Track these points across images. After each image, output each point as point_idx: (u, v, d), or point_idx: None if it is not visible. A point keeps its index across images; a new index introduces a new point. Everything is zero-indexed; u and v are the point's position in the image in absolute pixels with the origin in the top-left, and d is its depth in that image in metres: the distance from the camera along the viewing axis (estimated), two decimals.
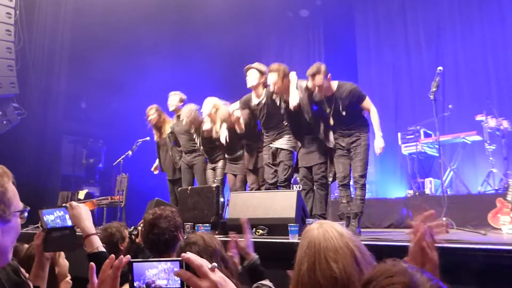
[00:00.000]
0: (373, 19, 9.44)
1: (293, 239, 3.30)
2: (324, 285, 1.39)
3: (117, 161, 6.87)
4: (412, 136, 7.09)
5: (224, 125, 5.19)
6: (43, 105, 8.50)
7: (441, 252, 2.55)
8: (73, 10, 8.81)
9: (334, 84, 4.40)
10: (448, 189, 6.53)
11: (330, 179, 4.60)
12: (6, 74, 7.71)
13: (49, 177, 8.24)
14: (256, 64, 4.97)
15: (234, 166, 5.38)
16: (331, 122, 4.46)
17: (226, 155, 5.46)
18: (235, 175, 5.40)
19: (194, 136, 5.69)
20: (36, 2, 8.45)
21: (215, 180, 5.47)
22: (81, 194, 7.15)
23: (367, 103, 4.40)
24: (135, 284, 1.24)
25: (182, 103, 5.97)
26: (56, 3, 8.70)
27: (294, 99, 4.47)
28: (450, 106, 7.06)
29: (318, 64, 4.37)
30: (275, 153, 4.87)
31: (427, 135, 7.06)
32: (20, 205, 1.13)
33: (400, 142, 7.28)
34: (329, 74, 4.32)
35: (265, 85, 4.90)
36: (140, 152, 7.02)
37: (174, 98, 5.99)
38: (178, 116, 5.92)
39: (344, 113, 4.34)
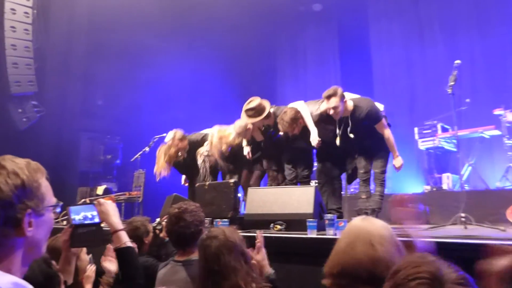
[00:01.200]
0: (387, 12, 9.34)
1: (311, 234, 3.31)
2: (365, 263, 1.42)
3: (135, 157, 6.96)
4: (429, 131, 7.03)
5: (244, 141, 5.20)
6: (61, 102, 8.65)
7: (460, 248, 2.56)
8: (89, 8, 8.90)
9: (350, 105, 4.34)
10: (466, 185, 6.46)
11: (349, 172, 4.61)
12: (25, 72, 7.87)
13: (68, 174, 8.37)
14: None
15: (252, 163, 5.39)
16: (337, 142, 4.43)
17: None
18: (248, 171, 5.41)
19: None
20: (52, 1, 8.57)
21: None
22: (100, 190, 7.25)
23: (381, 125, 4.34)
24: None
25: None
26: (72, 2, 8.80)
27: (315, 137, 4.48)
28: (467, 100, 6.96)
29: (335, 87, 4.31)
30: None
31: (444, 130, 6.99)
32: (53, 200, 1.17)
33: (416, 137, 7.22)
34: (345, 99, 4.29)
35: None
36: (156, 148, 7.08)
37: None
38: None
39: (351, 135, 4.33)
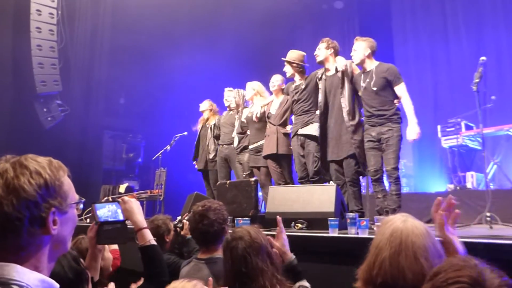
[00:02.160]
0: (409, 8, 9.20)
1: (333, 233, 3.29)
2: (409, 278, 1.38)
3: (156, 155, 7.04)
4: (453, 129, 6.89)
5: (259, 103, 5.37)
6: (85, 101, 8.81)
7: (486, 248, 2.50)
8: (112, 8, 9.04)
9: (376, 62, 4.45)
10: (491, 184, 6.32)
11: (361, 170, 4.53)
12: (50, 72, 8.04)
13: (92, 171, 8.54)
14: (290, 53, 5.11)
15: (256, 158, 5.37)
16: (361, 93, 4.38)
17: (250, 144, 5.48)
18: (258, 168, 5.38)
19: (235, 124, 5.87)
20: (76, 1, 8.73)
21: (244, 174, 5.56)
22: (122, 188, 7.36)
23: (402, 88, 4.25)
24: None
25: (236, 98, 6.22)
26: (96, 2, 8.95)
27: (342, 62, 4.53)
28: (493, 97, 6.80)
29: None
30: (303, 143, 4.81)
31: (468, 128, 6.85)
32: (76, 196, 1.18)
33: (439, 135, 7.09)
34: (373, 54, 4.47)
35: (303, 72, 5.05)
36: (178, 147, 7.17)
37: (229, 94, 6.23)
38: (230, 110, 6.19)
39: (375, 88, 4.25)
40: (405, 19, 9.25)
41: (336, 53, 4.74)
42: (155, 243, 2.10)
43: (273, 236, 2.43)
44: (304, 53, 5.12)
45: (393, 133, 4.16)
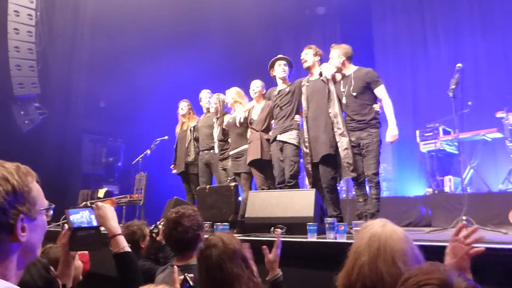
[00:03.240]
0: (390, 15, 9.34)
1: (311, 238, 3.31)
2: (388, 282, 1.40)
3: (136, 159, 6.97)
4: (431, 134, 7.00)
5: (241, 109, 5.36)
6: (63, 104, 8.67)
7: None
8: (93, 10, 8.94)
9: (354, 66, 4.50)
10: (468, 187, 6.44)
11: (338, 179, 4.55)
12: (28, 74, 7.89)
13: (70, 176, 8.40)
14: (282, 56, 5.18)
15: (237, 164, 5.35)
16: (344, 100, 4.41)
17: (231, 150, 5.46)
18: (239, 174, 5.34)
19: (214, 130, 5.83)
20: (56, 3, 8.61)
21: (228, 180, 5.53)
22: (101, 193, 7.26)
23: (381, 90, 4.32)
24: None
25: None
26: (76, 4, 8.84)
27: (329, 70, 4.59)
28: (469, 103, 6.94)
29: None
30: (282, 148, 4.82)
31: (446, 133, 6.97)
32: (45, 203, 1.16)
33: (418, 140, 7.20)
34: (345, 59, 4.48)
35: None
36: (158, 151, 7.11)
37: (206, 96, 6.30)
38: (208, 111, 6.19)
39: (354, 93, 4.30)
40: (386, 26, 9.38)
41: (321, 61, 4.80)
42: (129, 249, 2.07)
43: (252, 242, 2.41)
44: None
45: (372, 138, 4.22)
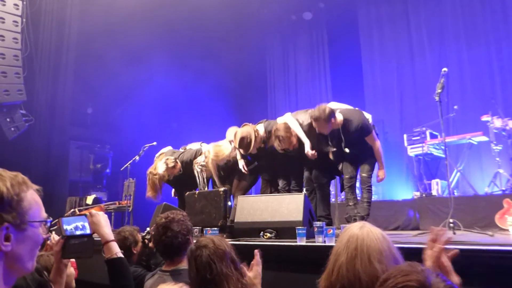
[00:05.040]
0: (376, 21, 9.45)
1: (301, 242, 3.32)
2: (364, 281, 1.42)
3: (125, 166, 6.92)
4: (418, 138, 7.08)
5: (238, 154, 5.16)
6: (50, 111, 8.57)
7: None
8: (79, 17, 8.89)
9: (340, 118, 4.35)
10: (455, 191, 6.52)
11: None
12: (14, 81, 7.80)
13: (57, 183, 8.29)
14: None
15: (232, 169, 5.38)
16: (331, 156, 4.54)
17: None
18: (239, 180, 5.37)
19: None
20: (42, 9, 8.54)
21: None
22: (89, 199, 7.20)
23: (371, 138, 4.39)
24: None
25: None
26: (61, 10, 8.78)
27: (308, 149, 4.50)
28: (455, 107, 7.06)
29: (321, 108, 4.27)
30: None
31: (433, 136, 7.05)
32: (41, 215, 1.13)
33: (406, 144, 7.27)
34: (333, 118, 4.27)
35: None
36: (147, 157, 7.06)
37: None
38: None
39: (347, 150, 4.39)
40: (372, 31, 9.49)
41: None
42: (122, 255, 2.08)
43: (241, 247, 2.42)
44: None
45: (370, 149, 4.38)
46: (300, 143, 4.59)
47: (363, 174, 4.31)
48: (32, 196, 1.11)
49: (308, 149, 4.49)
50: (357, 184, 4.69)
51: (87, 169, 9.36)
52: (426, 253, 1.57)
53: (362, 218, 4.21)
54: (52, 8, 8.71)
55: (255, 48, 10.44)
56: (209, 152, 5.16)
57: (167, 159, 5.32)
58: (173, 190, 6.07)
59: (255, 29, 10.08)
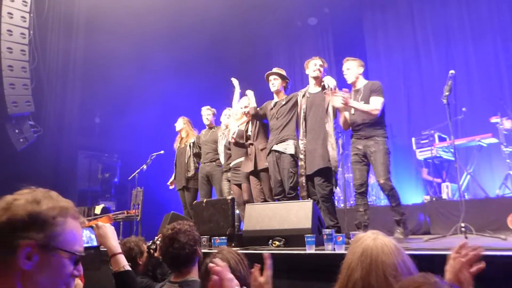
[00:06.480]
0: (381, 25, 9.43)
1: (310, 250, 3.28)
2: None
3: (132, 175, 6.93)
4: (427, 141, 7.01)
5: (234, 123, 5.39)
6: (58, 122, 8.66)
7: None
8: (85, 27, 8.97)
9: (365, 80, 4.56)
10: (465, 193, 6.44)
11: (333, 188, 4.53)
12: (22, 93, 7.88)
13: (66, 193, 8.11)
14: (276, 69, 5.18)
15: (236, 175, 5.36)
16: (352, 111, 4.42)
17: (231, 161, 5.47)
18: (239, 186, 5.34)
19: (219, 143, 5.94)
20: (49, 21, 8.64)
21: (231, 192, 5.50)
22: (98, 209, 7.22)
23: (376, 100, 4.29)
24: None
25: (214, 117, 6.40)
26: (68, 22, 8.87)
27: (332, 82, 4.56)
28: (463, 109, 6.98)
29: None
30: (278, 159, 4.76)
31: (441, 139, 6.98)
32: (74, 247, 1.07)
33: (414, 147, 7.20)
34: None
35: (285, 89, 5.16)
36: (154, 166, 7.08)
37: (207, 112, 6.37)
38: (210, 128, 6.27)
39: (363, 102, 4.32)
40: (377, 35, 9.47)
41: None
42: (129, 268, 2.07)
43: (249, 255, 2.38)
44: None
45: (379, 146, 4.23)
46: None
47: (381, 181, 4.15)
48: (70, 225, 1.08)
49: (333, 82, 4.55)
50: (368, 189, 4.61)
51: (95, 178, 9.40)
52: (449, 263, 1.54)
53: (398, 222, 4.17)
54: (59, 19, 8.81)
55: (261, 54, 10.46)
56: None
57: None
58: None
59: (260, 36, 10.09)
